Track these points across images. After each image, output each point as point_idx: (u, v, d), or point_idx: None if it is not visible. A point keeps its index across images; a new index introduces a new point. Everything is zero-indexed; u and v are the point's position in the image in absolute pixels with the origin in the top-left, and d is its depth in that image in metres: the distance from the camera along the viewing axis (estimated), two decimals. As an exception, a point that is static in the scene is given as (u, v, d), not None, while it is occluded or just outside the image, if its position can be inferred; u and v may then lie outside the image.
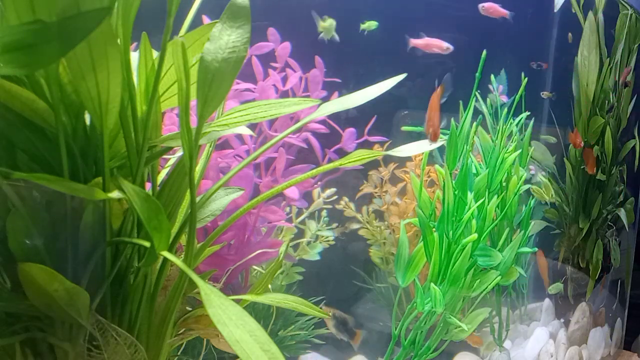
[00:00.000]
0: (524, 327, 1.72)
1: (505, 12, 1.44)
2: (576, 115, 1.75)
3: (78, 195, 0.66)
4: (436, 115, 1.16)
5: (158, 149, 0.77)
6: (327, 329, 1.40)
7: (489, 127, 1.53)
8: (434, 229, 1.29)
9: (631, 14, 1.76)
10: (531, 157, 1.58)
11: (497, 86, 1.55)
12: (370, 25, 1.37)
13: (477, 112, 1.46)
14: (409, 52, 1.38)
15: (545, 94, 1.63)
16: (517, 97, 1.50)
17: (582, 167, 1.77)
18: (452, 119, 1.33)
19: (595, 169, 1.72)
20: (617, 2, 1.73)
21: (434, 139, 1.16)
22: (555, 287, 1.76)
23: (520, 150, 1.48)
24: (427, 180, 1.49)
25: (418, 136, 1.40)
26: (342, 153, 1.28)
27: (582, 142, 1.68)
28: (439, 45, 1.38)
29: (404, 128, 1.45)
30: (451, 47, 1.38)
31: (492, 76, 1.54)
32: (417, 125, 1.43)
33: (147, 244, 0.68)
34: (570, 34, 1.66)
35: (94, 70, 0.62)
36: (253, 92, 1.19)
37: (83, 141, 0.69)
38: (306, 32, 1.33)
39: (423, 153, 1.37)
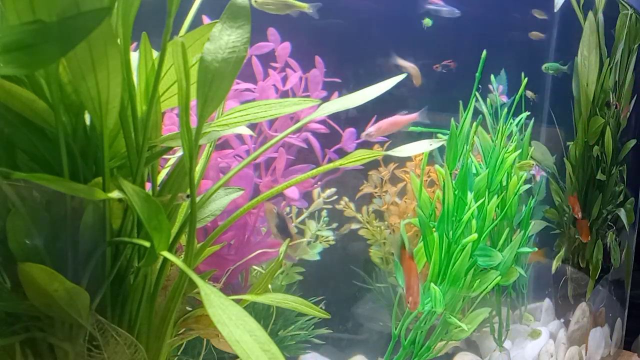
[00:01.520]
0: (524, 327, 1.72)
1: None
2: (576, 115, 1.75)
3: (78, 195, 0.66)
4: (416, 282, 1.17)
5: (158, 149, 0.77)
6: (327, 328, 1.40)
7: (489, 127, 1.53)
8: (434, 229, 1.29)
9: (631, 14, 1.76)
10: (531, 157, 1.58)
11: (497, 86, 1.55)
12: (427, 22, 1.38)
13: (477, 112, 1.46)
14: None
15: (529, 94, 1.63)
16: (517, 97, 1.50)
17: (581, 167, 1.77)
18: (452, 119, 1.33)
19: (589, 237, 1.75)
20: (617, 2, 1.73)
21: (413, 308, 1.17)
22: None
23: (520, 150, 1.48)
24: (427, 180, 1.49)
25: (418, 136, 1.40)
26: (342, 153, 1.27)
27: (580, 213, 1.72)
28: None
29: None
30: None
31: (492, 76, 1.54)
32: (417, 125, 1.43)
33: (147, 244, 0.68)
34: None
35: (94, 70, 0.62)
36: (253, 92, 1.18)
37: (83, 141, 0.69)
38: (306, 32, 1.33)
39: (423, 153, 1.37)
